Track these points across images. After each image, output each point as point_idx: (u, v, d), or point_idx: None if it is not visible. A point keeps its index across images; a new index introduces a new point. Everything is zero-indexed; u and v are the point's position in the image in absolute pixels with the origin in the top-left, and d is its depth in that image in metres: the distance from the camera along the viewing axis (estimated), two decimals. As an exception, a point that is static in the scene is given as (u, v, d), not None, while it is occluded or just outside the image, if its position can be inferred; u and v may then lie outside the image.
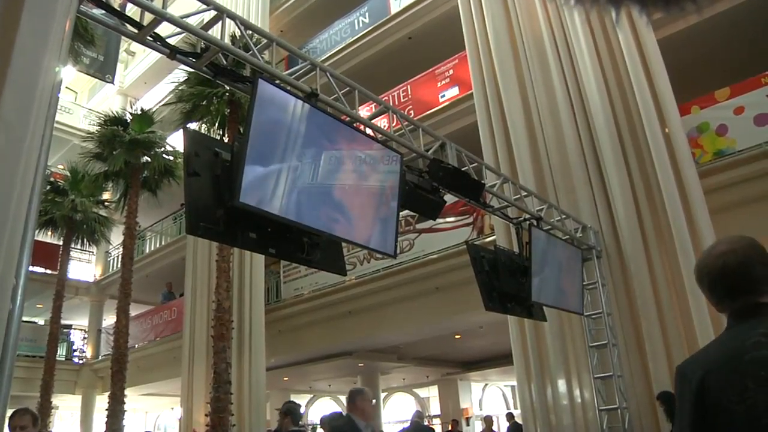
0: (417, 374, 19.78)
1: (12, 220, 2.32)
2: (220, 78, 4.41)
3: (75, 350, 21.94)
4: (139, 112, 16.16)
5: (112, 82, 17.94)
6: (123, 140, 15.22)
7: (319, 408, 21.99)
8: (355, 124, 4.80)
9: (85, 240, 18.47)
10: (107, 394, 14.98)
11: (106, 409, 14.63)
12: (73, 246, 18.38)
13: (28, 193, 2.47)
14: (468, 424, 18.83)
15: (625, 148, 8.29)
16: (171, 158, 16.21)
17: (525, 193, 7.19)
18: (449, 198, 5.91)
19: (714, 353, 1.56)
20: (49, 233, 17.75)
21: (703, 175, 7.94)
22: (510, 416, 13.45)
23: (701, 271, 1.64)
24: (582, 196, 8.48)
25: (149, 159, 15.99)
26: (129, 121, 15.89)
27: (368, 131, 5.03)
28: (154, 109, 16.84)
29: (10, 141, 2.31)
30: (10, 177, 2.34)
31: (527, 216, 6.97)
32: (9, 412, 3.86)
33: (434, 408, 21.76)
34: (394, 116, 5.59)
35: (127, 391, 14.91)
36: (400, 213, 4.94)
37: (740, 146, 8.30)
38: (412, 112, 12.31)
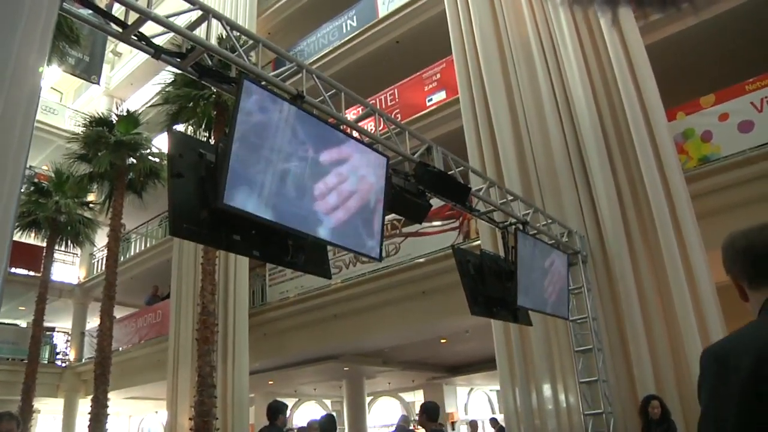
0: (402, 378, 19.75)
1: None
2: (206, 79, 4.38)
3: (58, 353, 21.70)
4: (125, 114, 16.06)
5: (98, 83, 17.79)
6: (108, 141, 15.11)
7: (304, 412, 21.89)
8: (341, 127, 4.78)
9: (69, 242, 18.29)
10: (90, 397, 14.82)
11: (89, 413, 14.48)
12: (56, 248, 18.19)
13: (5, 192, 2.43)
14: (453, 429, 18.84)
15: (612, 152, 8.34)
16: (157, 160, 16.11)
17: (511, 197, 7.20)
18: (435, 202, 5.90)
19: (763, 337, 1.35)
20: (33, 234, 17.56)
21: (688, 181, 7.99)
22: (494, 421, 13.44)
23: (742, 244, 1.50)
24: (568, 201, 8.51)
25: (135, 161, 15.88)
26: (115, 122, 15.78)
27: (354, 134, 5.01)
28: (140, 111, 16.75)
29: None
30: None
31: (513, 220, 6.97)
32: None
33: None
34: (381, 119, 5.58)
35: (110, 395, 14.76)
36: (386, 216, 4.92)
37: (725, 152, 8.36)
38: (399, 115, 12.30)
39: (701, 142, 8.63)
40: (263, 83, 4.20)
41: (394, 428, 6.68)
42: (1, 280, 2.46)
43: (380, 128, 5.53)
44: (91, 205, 18.39)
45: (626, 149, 8.25)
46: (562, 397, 8.18)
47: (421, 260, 11.65)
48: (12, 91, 2.47)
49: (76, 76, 16.60)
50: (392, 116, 8.34)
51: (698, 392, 1.39)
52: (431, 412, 6.17)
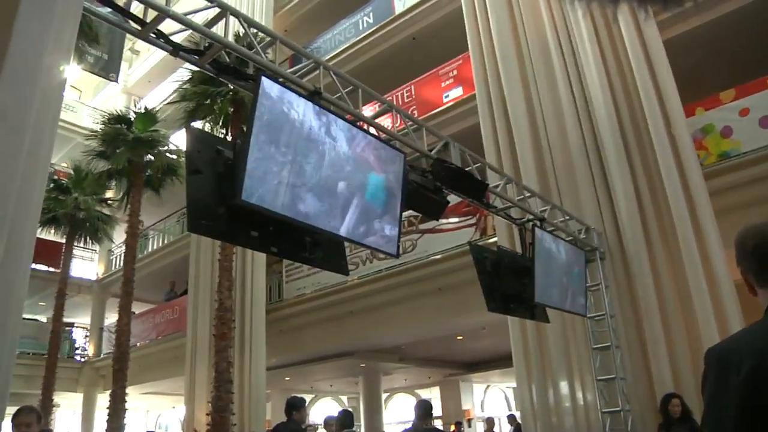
0: (419, 375, 19.75)
1: (11, 217, 2.31)
2: (223, 76, 4.40)
3: (77, 348, 21.94)
4: (143, 111, 16.18)
5: (117, 81, 17.94)
6: (126, 139, 15.23)
7: (320, 408, 21.96)
8: (358, 123, 4.78)
9: (87, 238, 18.49)
10: (108, 392, 14.99)
11: (108, 408, 14.64)
12: (75, 244, 18.39)
13: (31, 189, 2.46)
14: (470, 426, 18.81)
15: (630, 149, 8.26)
16: (174, 157, 16.22)
17: (528, 194, 7.17)
18: (452, 198, 5.89)
19: (763, 338, 1.34)
20: (52, 231, 17.76)
21: (708, 177, 7.90)
22: (512, 418, 13.39)
23: (751, 240, 1.50)
24: (585, 198, 8.45)
25: (152, 158, 16.00)
26: (132, 119, 15.90)
27: (371, 130, 5.01)
28: (157, 108, 16.85)
29: (9, 134, 2.30)
30: (11, 171, 2.32)
31: (530, 217, 6.94)
32: (13, 410, 3.87)
33: (436, 409, 21.74)
34: (398, 116, 5.57)
35: (128, 390, 14.90)
36: (403, 213, 4.91)
37: (745, 148, 8.26)
38: (415, 112, 12.29)
39: (721, 138, 8.54)
40: (281, 80, 4.21)
41: (410, 425, 6.67)
42: (26, 276, 2.47)
43: (397, 125, 5.53)
44: (109, 201, 18.57)
45: (644, 145, 8.17)
46: (579, 394, 8.14)
47: (438, 257, 11.63)
48: (43, 90, 2.49)
49: (95, 74, 16.67)
50: (409, 113, 8.33)
51: (702, 389, 1.41)
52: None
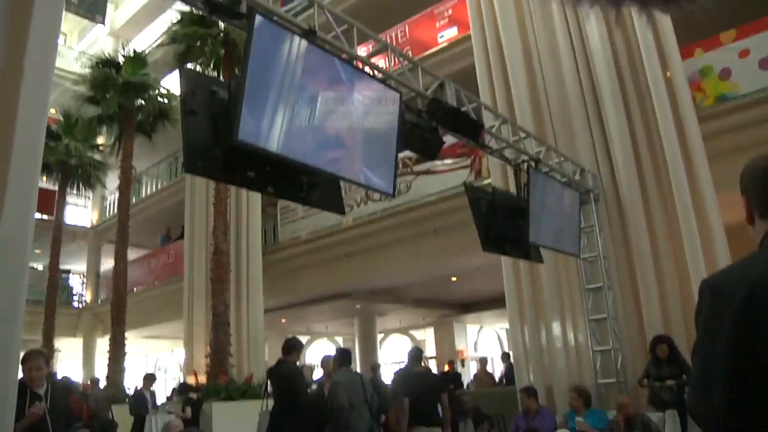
0: (413, 316, 20.05)
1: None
2: (216, 14, 4.30)
3: (74, 295, 22.13)
4: (132, 54, 15.88)
5: (103, 23, 17.62)
6: (116, 83, 15.03)
7: (316, 349, 22.35)
8: (354, 63, 4.72)
9: (80, 185, 18.41)
10: (108, 337, 15.21)
11: (108, 351, 14.88)
12: (68, 191, 18.33)
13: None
14: (463, 366, 19.21)
15: (626, 91, 8.19)
16: (166, 101, 16.03)
17: (523, 135, 7.15)
18: (447, 140, 5.88)
19: (757, 269, 1.31)
20: (44, 178, 17.67)
21: (704, 120, 7.87)
22: (506, 356, 13.64)
23: (761, 170, 1.47)
24: (581, 139, 8.43)
25: (143, 102, 15.81)
26: (121, 63, 15.63)
27: (367, 70, 4.95)
28: (146, 51, 16.54)
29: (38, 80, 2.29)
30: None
31: (525, 158, 6.94)
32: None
33: (430, 350, 22.14)
34: (393, 57, 5.50)
35: (127, 334, 15.14)
36: (399, 154, 4.90)
37: (743, 91, 8.20)
38: (410, 53, 12.11)
39: (719, 80, 8.47)
40: (275, 18, 4.13)
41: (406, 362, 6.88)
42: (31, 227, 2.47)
43: (392, 66, 5.46)
44: (101, 147, 18.43)
45: (641, 87, 8.09)
46: (571, 335, 8.28)
47: (432, 199, 11.67)
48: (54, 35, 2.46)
49: (80, 16, 16.42)
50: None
51: (695, 320, 1.38)
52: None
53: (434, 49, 12.03)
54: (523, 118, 8.74)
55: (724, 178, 7.41)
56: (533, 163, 6.80)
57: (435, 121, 5.21)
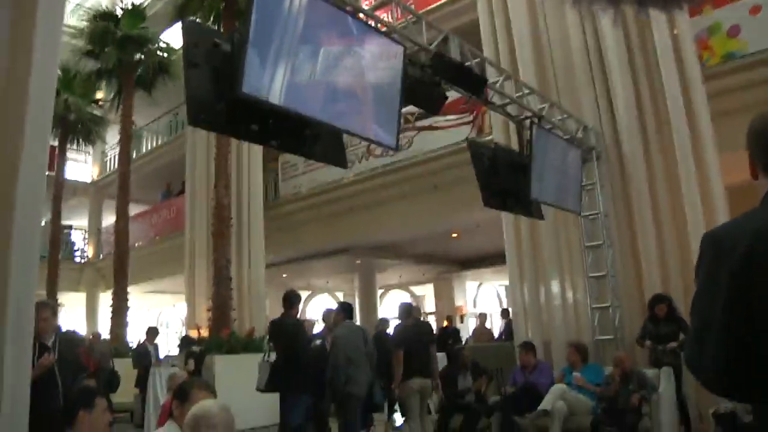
0: (413, 272, 20.20)
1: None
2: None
3: (76, 250, 22.23)
4: (130, 7, 15.65)
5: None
6: (114, 37, 14.85)
7: (317, 304, 22.58)
8: (357, 16, 4.67)
9: (80, 140, 18.34)
10: (110, 291, 15.36)
11: (110, 306, 15.05)
12: (69, 146, 18.27)
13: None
14: (462, 322, 19.44)
15: (631, 48, 8.06)
16: (165, 55, 15.86)
17: (527, 91, 7.09)
18: (450, 96, 5.83)
19: (758, 224, 1.32)
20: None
21: (710, 78, 7.76)
22: (505, 312, 13.77)
23: (764, 126, 1.47)
24: (584, 97, 8.34)
25: (143, 56, 15.65)
26: (120, 16, 15.42)
27: (371, 23, 4.89)
28: (145, 4, 16.29)
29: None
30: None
31: (528, 114, 6.90)
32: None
33: (429, 306, 22.37)
34: (397, 10, 5.44)
35: (129, 289, 15.28)
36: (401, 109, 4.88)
37: (752, 49, 8.06)
38: (412, 6, 11.94)
39: (727, 38, 8.32)
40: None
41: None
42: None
43: (396, 18, 5.40)
44: (100, 103, 18.30)
45: (647, 45, 7.97)
46: (569, 293, 8.33)
47: (434, 154, 11.64)
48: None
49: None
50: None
51: (695, 273, 1.40)
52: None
53: (438, 3, 11.84)
54: (527, 75, 8.65)
55: (728, 138, 7.36)
56: (536, 120, 6.77)
57: (438, 75, 5.17)
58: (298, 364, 6.17)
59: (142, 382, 9.65)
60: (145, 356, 10.15)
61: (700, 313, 1.35)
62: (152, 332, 10.95)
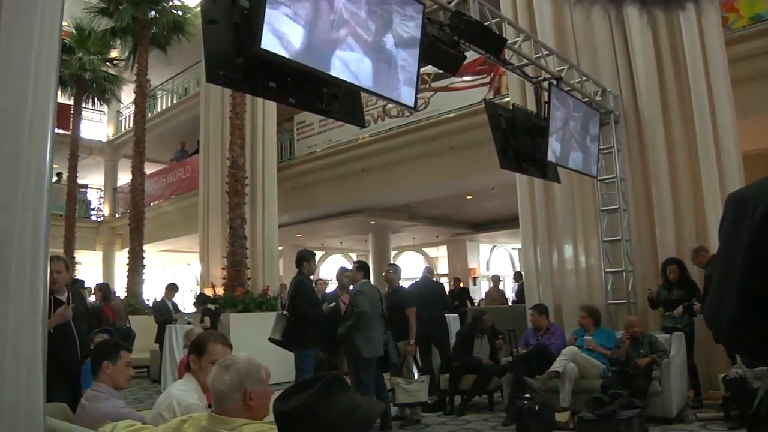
0: (427, 234, 20.28)
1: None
2: None
3: (93, 209, 22.46)
4: (144, -36, 15.50)
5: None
6: (128, -6, 14.75)
7: (330, 264, 22.76)
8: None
9: (95, 99, 18.37)
10: (126, 250, 15.55)
11: (126, 264, 15.24)
12: (84, 105, 18.31)
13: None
14: (475, 284, 19.55)
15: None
16: (180, 13, 15.75)
17: (546, 52, 6.99)
18: (467, 57, 5.76)
19: None
20: (59, 93, 17.56)
21: (734, 42, 7.60)
22: (518, 275, 13.83)
23: None
24: (604, 59, 8.22)
25: (157, 14, 15.55)
26: (134, -28, 15.29)
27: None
28: (159, -40, 16.11)
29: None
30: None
31: (546, 75, 6.82)
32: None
33: (442, 267, 22.47)
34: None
35: (144, 248, 15.45)
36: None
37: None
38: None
39: (756, -1, 8.11)
40: None
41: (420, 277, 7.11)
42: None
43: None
44: (115, 61, 18.27)
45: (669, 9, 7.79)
46: (582, 258, 8.32)
47: (450, 115, 11.56)
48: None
49: None
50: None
51: (718, 234, 1.39)
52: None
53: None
54: (545, 36, 8.51)
55: (747, 105, 7.25)
56: (554, 81, 6.69)
57: (457, 35, 5.10)
58: (308, 320, 6.29)
59: (162, 337, 9.83)
60: (165, 311, 10.33)
61: (721, 270, 1.34)
62: (172, 288, 11.10)
